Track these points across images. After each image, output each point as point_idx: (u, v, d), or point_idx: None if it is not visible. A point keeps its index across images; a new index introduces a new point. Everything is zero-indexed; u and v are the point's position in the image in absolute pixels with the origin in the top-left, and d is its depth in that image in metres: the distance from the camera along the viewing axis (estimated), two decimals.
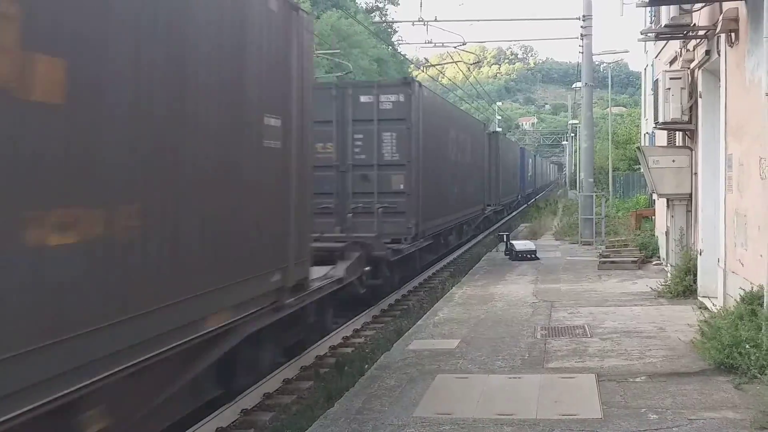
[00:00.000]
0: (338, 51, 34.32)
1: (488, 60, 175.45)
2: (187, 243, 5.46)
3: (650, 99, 16.42)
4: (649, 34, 12.85)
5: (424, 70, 39.81)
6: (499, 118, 75.95)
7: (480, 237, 26.47)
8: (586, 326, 9.82)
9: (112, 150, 4.51)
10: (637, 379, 7.19)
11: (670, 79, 12.12)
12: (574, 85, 44.48)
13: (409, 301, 14.27)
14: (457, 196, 19.84)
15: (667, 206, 13.55)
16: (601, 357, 8.15)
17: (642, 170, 16.16)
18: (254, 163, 6.51)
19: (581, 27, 22.79)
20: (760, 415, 5.79)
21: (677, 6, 10.59)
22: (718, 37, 9.94)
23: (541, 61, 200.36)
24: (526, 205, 46.94)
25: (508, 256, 18.33)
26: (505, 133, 58.78)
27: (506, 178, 33.59)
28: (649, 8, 14.02)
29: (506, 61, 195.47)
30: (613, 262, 15.96)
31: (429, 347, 8.93)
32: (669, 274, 12.91)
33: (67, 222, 4.05)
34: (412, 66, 49.60)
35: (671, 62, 13.83)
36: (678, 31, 11.28)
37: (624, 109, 78.36)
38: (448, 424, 6.09)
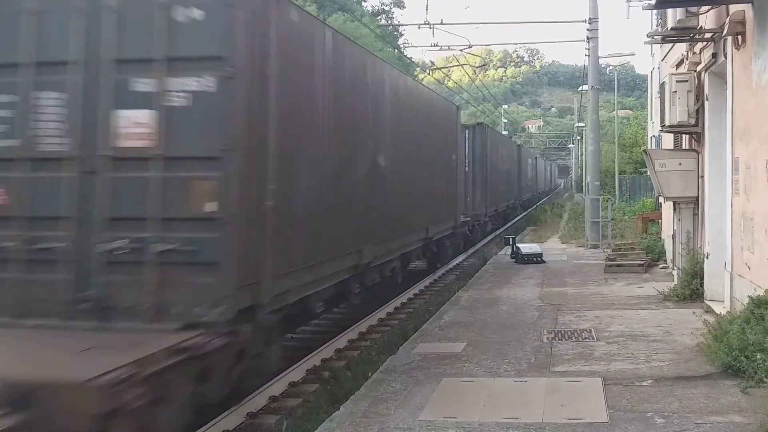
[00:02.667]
0: None
1: (494, 63, 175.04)
2: None
3: (657, 102, 16.36)
4: (655, 37, 12.85)
5: (430, 73, 39.91)
6: (506, 121, 75.98)
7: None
8: (592, 330, 9.80)
9: None
10: (644, 383, 7.17)
11: (677, 81, 12.09)
12: (580, 88, 44.52)
13: (414, 304, 14.25)
14: (398, 214, 12.54)
15: (674, 209, 13.50)
16: (607, 360, 8.12)
17: (648, 173, 16.13)
18: None
19: (587, 30, 22.78)
20: (767, 419, 5.76)
21: (684, 9, 10.58)
22: (725, 40, 9.92)
23: (547, 64, 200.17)
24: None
25: (514, 260, 18.32)
26: (511, 136, 58.88)
27: (498, 182, 28.54)
28: (655, 11, 14.01)
29: (512, 64, 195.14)
30: (619, 265, 15.92)
31: (435, 350, 8.91)
32: (675, 278, 12.87)
33: None
34: (418, 69, 49.66)
35: (678, 65, 13.80)
36: (684, 33, 11.26)
37: (630, 112, 78.45)
38: (453, 427, 6.08)
